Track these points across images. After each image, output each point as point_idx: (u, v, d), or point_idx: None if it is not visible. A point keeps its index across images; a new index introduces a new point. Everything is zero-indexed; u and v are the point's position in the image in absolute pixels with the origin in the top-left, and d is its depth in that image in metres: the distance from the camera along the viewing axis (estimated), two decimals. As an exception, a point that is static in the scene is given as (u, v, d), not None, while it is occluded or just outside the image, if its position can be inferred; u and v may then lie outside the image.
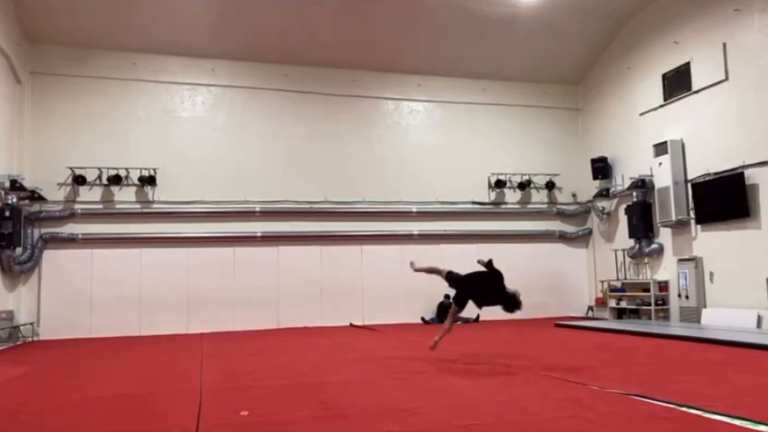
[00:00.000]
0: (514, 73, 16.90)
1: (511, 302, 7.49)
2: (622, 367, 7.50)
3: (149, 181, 14.35)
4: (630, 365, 7.65)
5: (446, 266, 8.62)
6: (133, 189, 14.46)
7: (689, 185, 13.41)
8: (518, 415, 4.93)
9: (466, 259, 15.83)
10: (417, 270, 9.06)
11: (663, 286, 14.21)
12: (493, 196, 16.81)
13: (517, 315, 7.85)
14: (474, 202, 16.65)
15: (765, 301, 11.44)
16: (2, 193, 12.75)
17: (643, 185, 14.56)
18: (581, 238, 17.24)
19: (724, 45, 12.62)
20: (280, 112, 15.59)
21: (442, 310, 15.59)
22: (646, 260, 14.93)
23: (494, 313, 15.17)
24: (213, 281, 14.54)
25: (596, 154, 16.45)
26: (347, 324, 15.11)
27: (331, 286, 15.24)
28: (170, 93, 15.07)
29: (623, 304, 15.15)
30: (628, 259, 15.47)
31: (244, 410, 5.24)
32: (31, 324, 13.42)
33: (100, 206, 14.28)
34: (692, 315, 13.00)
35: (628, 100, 15.58)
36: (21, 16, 13.34)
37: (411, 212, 16.06)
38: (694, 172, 13.34)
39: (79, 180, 13.98)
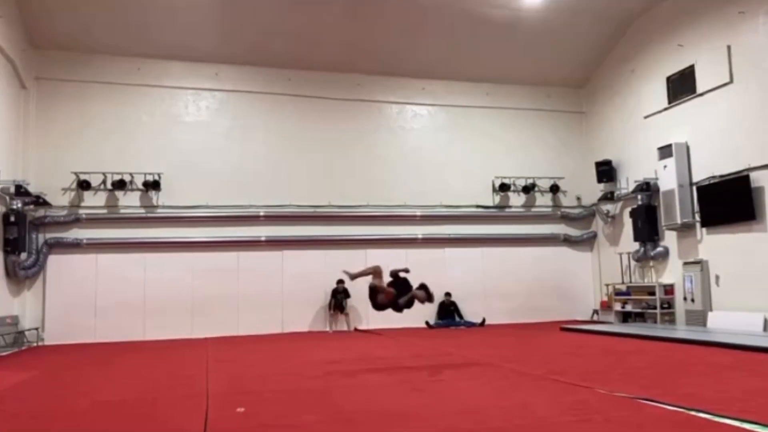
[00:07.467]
0: (517, 77, 16.88)
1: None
2: (628, 370, 7.46)
3: (153, 185, 14.36)
4: (636, 369, 7.61)
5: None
6: (138, 194, 14.49)
7: (694, 188, 13.36)
8: (525, 419, 4.91)
9: (469, 263, 16.16)
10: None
11: (668, 289, 14.15)
12: (497, 199, 16.78)
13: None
14: (478, 206, 16.61)
15: (771, 304, 11.38)
16: (7, 198, 12.78)
17: (647, 188, 14.51)
18: (586, 242, 17.19)
19: (729, 48, 12.58)
20: (283, 117, 15.60)
21: (443, 309, 15.58)
22: (651, 263, 14.88)
23: (500, 317, 15.42)
24: (217, 286, 14.52)
25: (601, 157, 16.41)
26: (352, 328, 15.09)
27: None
28: (174, 98, 15.10)
29: (628, 308, 15.08)
30: (633, 263, 15.41)
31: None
32: (36, 329, 13.43)
33: (104, 211, 14.31)
34: (698, 318, 12.94)
35: (632, 103, 15.55)
36: (26, 21, 13.39)
37: (415, 216, 16.04)
38: (699, 175, 13.29)
39: (83, 185, 14.01)
